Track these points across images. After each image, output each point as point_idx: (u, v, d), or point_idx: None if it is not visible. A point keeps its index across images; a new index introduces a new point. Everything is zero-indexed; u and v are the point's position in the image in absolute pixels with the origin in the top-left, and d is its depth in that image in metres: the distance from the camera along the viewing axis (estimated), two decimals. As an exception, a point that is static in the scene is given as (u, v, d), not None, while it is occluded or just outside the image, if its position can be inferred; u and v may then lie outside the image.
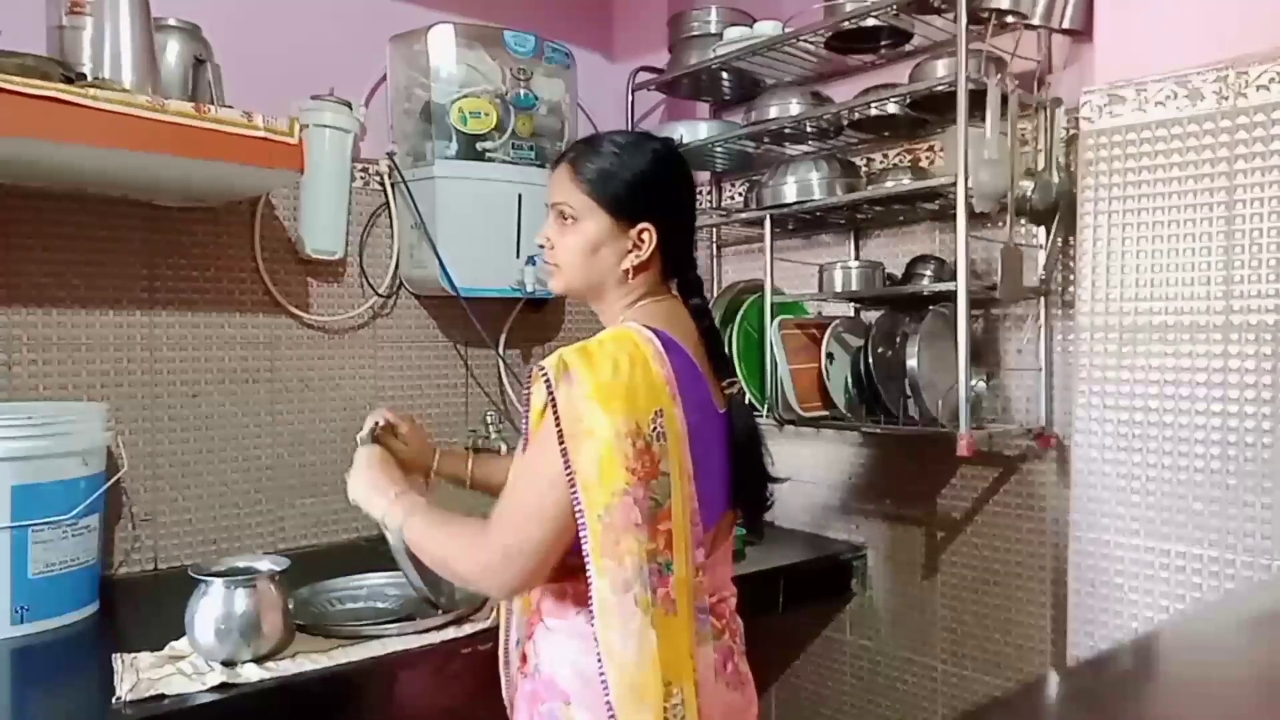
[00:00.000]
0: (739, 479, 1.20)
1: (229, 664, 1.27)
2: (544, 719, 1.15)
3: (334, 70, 1.99)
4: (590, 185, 1.18)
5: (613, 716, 1.05)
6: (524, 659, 1.22)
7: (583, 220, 1.18)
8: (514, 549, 1.08)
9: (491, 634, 1.44)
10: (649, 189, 1.17)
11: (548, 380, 1.06)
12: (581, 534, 1.05)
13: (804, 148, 2.11)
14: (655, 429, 1.05)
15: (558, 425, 1.05)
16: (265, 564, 1.35)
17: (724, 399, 1.21)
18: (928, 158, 1.95)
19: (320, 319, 2.02)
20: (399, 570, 1.47)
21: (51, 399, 1.69)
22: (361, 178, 2.06)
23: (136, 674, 1.23)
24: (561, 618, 1.15)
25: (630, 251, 1.17)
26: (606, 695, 1.06)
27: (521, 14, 2.25)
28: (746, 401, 1.24)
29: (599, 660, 1.06)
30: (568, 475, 1.04)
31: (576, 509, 1.05)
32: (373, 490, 1.24)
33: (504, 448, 2.14)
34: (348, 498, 1.29)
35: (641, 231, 1.17)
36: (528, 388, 1.11)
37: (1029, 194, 1.65)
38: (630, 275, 1.18)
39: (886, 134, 2.00)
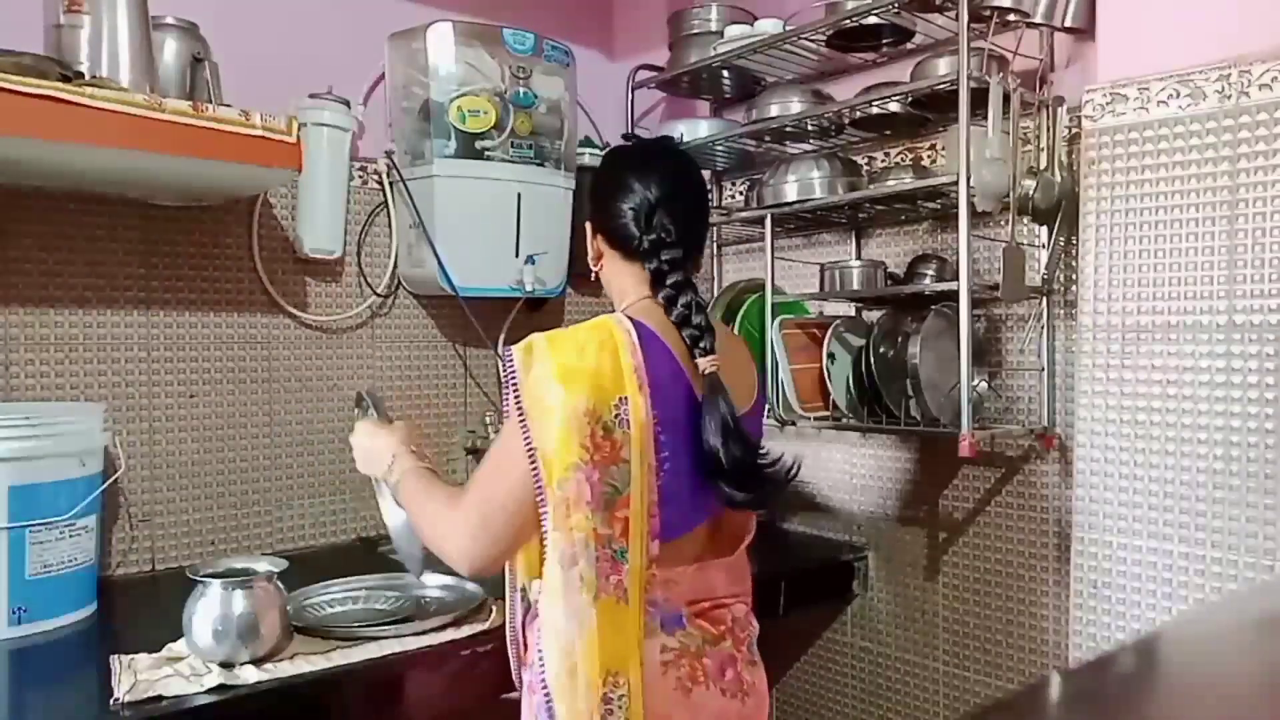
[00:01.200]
0: (723, 463, 1.14)
1: (227, 665, 1.26)
2: (536, 710, 1.16)
3: (332, 69, 1.98)
4: None
5: (547, 694, 1.09)
6: (525, 649, 1.23)
7: None
8: (479, 528, 1.12)
9: (490, 636, 1.44)
10: (591, 188, 1.32)
11: (514, 362, 1.11)
12: (542, 510, 1.08)
13: (805, 146, 2.10)
14: (617, 415, 1.08)
15: (519, 405, 1.09)
16: (263, 565, 1.35)
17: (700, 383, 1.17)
18: (929, 156, 1.94)
19: (318, 318, 2.01)
20: (395, 569, 1.48)
21: (48, 399, 1.69)
22: (360, 176, 2.05)
23: (134, 675, 1.22)
24: None
25: (591, 250, 1.30)
26: (543, 674, 1.09)
27: (521, 12, 2.25)
28: (721, 384, 1.17)
29: (538, 635, 1.10)
30: (529, 451, 1.08)
31: (537, 485, 1.08)
32: (375, 450, 1.33)
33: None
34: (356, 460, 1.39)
35: (585, 225, 1.30)
36: (504, 368, 1.15)
37: (1031, 193, 1.64)
38: (600, 270, 1.29)
39: (888, 132, 1.99)
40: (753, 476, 1.16)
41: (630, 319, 1.15)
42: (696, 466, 1.15)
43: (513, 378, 1.11)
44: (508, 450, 1.12)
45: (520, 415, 1.09)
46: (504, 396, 1.15)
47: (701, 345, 1.17)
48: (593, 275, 1.32)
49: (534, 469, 1.09)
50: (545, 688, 1.10)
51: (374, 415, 1.43)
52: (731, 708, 1.17)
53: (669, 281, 1.20)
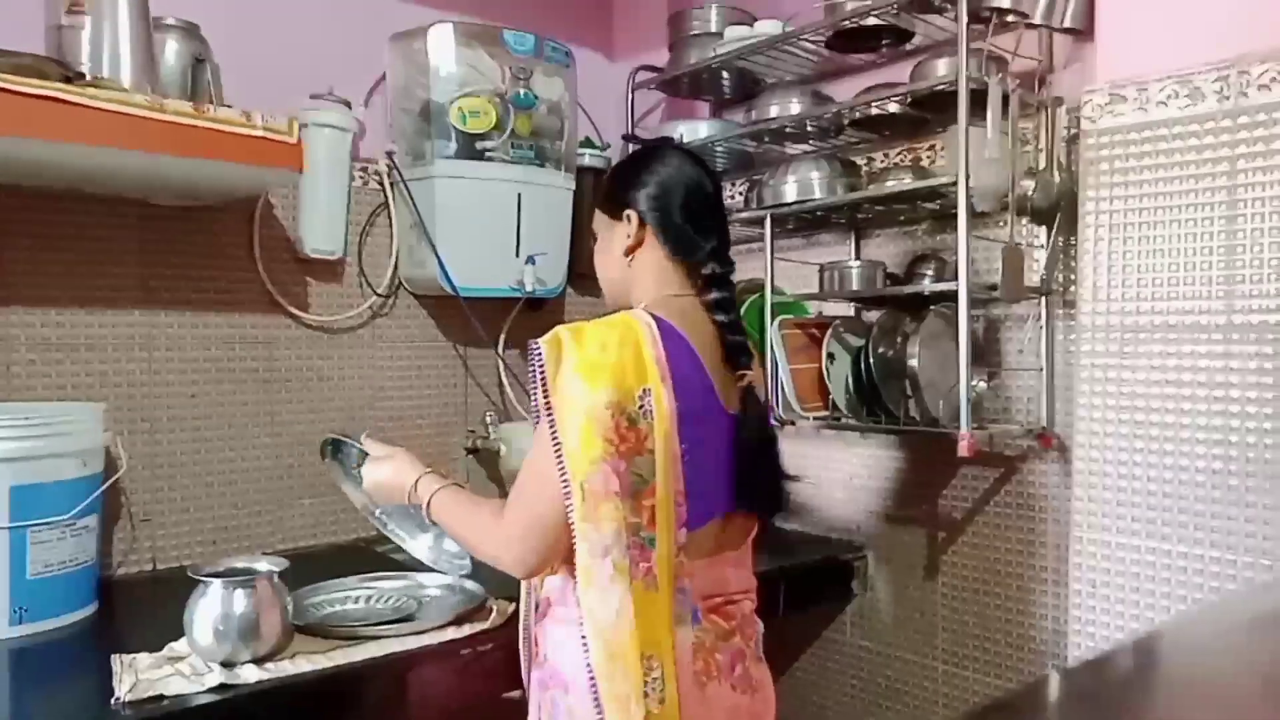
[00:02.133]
0: (746, 479, 1.20)
1: (228, 665, 1.27)
2: (549, 706, 1.18)
3: (333, 69, 1.99)
4: (598, 199, 1.34)
5: (593, 680, 1.10)
6: (536, 646, 1.25)
7: (599, 233, 1.32)
8: (527, 526, 1.15)
9: (490, 635, 1.45)
10: (628, 179, 1.28)
11: (543, 358, 1.13)
12: (568, 503, 1.10)
13: (804, 147, 2.11)
14: (642, 406, 1.10)
15: (548, 403, 1.12)
16: (264, 565, 1.35)
17: (738, 397, 1.21)
18: (928, 157, 1.95)
19: (319, 319, 2.02)
20: (396, 569, 1.48)
21: (49, 399, 1.69)
22: (360, 177, 2.06)
23: (135, 675, 1.23)
24: (565, 605, 1.18)
25: (625, 237, 1.26)
26: (587, 658, 1.10)
27: (521, 13, 2.25)
28: (760, 399, 1.23)
29: (580, 624, 1.11)
30: (555, 446, 1.10)
31: (563, 478, 1.10)
32: (391, 481, 1.34)
33: (503, 448, 2.14)
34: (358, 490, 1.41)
35: (627, 215, 1.26)
36: (530, 363, 1.14)
37: (1030, 193, 1.64)
38: (630, 258, 1.26)
39: (887, 133, 1.99)
40: (772, 491, 1.23)
41: (651, 314, 1.17)
42: (715, 464, 1.18)
43: (541, 373, 1.12)
44: (541, 454, 1.13)
45: (549, 413, 1.12)
46: (531, 393, 1.15)
47: (743, 359, 1.21)
48: (624, 261, 1.27)
49: (560, 464, 1.10)
50: (590, 673, 1.10)
51: (354, 454, 1.43)
52: (743, 703, 1.20)
53: (724, 291, 1.24)
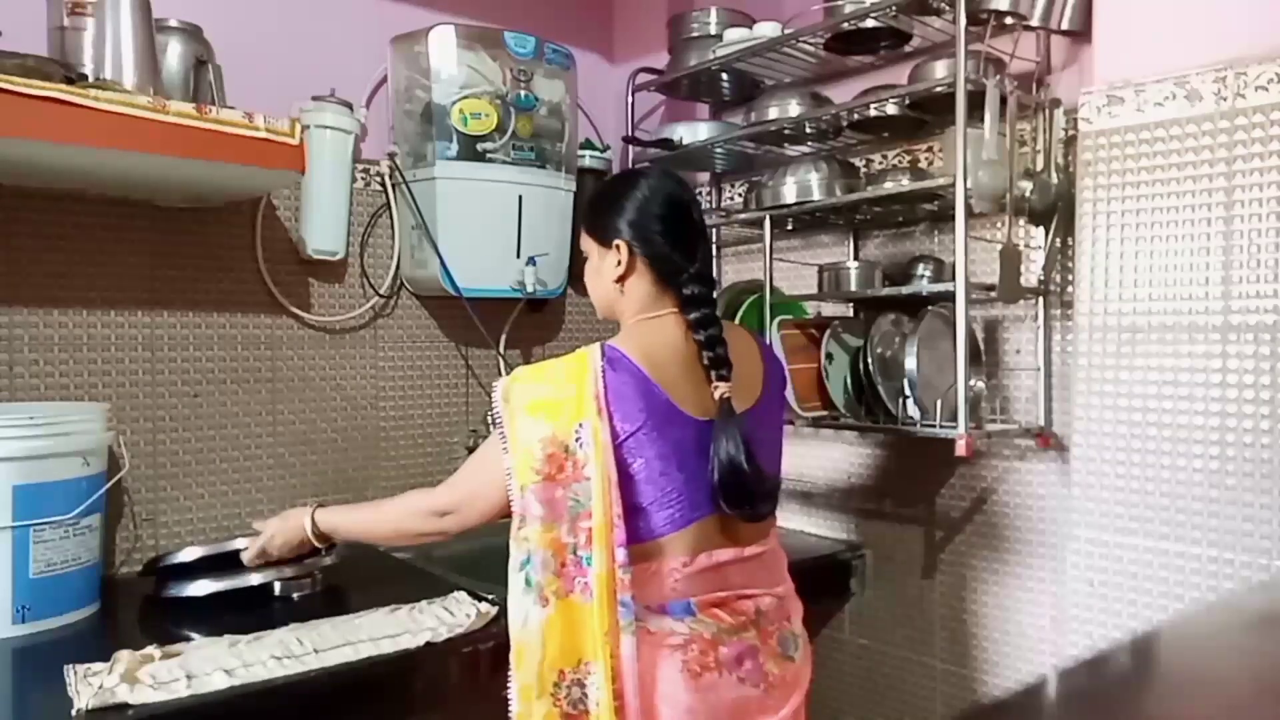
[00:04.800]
0: (725, 482, 1.23)
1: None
2: None
3: (335, 71, 1.99)
4: (585, 223, 1.40)
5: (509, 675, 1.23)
6: None
7: (589, 255, 1.39)
8: (458, 504, 1.34)
9: (490, 634, 1.45)
10: (619, 209, 1.33)
11: (497, 397, 1.27)
12: (510, 496, 1.25)
13: (803, 148, 2.11)
14: (578, 438, 1.19)
15: (501, 431, 1.26)
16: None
17: (716, 407, 1.25)
18: (926, 158, 1.95)
19: (321, 319, 2.03)
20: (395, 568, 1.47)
21: (53, 399, 1.70)
22: (362, 178, 2.06)
23: (91, 685, 1.17)
24: None
25: (616, 265, 1.32)
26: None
27: (522, 15, 2.26)
28: (733, 407, 1.27)
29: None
30: (507, 471, 1.24)
31: (512, 499, 1.24)
32: (286, 526, 1.51)
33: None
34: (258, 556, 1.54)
35: (617, 245, 1.32)
36: (493, 398, 1.29)
37: (1028, 194, 1.65)
38: (621, 285, 1.33)
39: (885, 135, 2.00)
40: (750, 492, 1.24)
41: (614, 348, 1.24)
42: (688, 471, 1.23)
43: (495, 410, 1.27)
44: (484, 459, 1.32)
45: (503, 440, 1.25)
46: (494, 420, 1.29)
47: (721, 372, 1.26)
48: (615, 286, 1.34)
49: (509, 487, 1.24)
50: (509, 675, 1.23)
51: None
52: (751, 696, 1.23)
53: (703, 309, 1.30)
